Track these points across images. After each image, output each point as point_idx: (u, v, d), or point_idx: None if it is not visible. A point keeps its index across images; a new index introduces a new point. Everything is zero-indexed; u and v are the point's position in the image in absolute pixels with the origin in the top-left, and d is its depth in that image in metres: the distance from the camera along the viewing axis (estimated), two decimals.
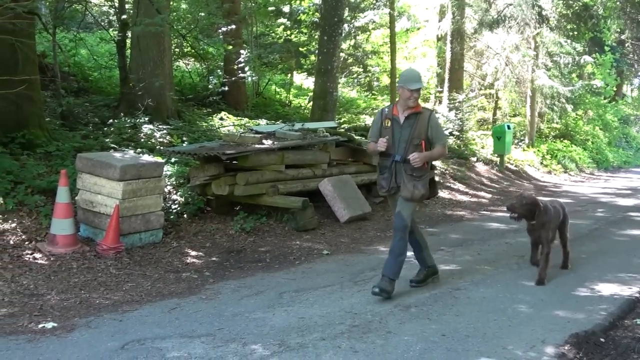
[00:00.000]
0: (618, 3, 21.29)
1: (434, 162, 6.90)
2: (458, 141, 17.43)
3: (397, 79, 19.28)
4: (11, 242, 6.78)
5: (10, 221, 7.12)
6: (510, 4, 17.84)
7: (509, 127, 17.28)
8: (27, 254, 6.64)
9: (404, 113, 5.91)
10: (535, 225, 6.59)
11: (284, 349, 4.63)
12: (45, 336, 4.77)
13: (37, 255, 6.65)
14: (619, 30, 24.26)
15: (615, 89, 27.91)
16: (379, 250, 7.91)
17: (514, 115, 23.18)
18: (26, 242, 6.87)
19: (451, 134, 17.49)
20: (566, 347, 4.78)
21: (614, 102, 28.23)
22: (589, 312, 5.60)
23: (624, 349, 4.88)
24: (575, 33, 20.32)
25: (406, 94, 5.84)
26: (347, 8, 15.09)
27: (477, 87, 20.84)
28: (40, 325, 4.97)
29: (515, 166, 18.17)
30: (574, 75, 22.66)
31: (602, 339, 5.05)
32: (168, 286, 6.18)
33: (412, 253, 6.36)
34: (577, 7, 19.35)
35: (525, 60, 19.43)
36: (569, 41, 19.66)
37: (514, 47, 18.94)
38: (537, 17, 18.04)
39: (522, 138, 21.22)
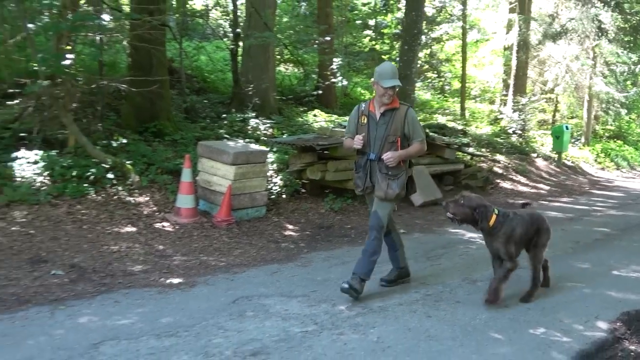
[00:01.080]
0: None
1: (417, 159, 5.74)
2: (520, 139, 16.89)
3: (467, 83, 19.04)
4: (145, 212, 7.05)
5: (144, 195, 7.40)
6: (572, 19, 17.04)
7: (567, 128, 16.59)
8: (157, 222, 6.87)
9: (380, 109, 4.99)
10: (489, 234, 4.92)
11: (367, 310, 4.66)
12: (172, 290, 4.97)
13: (165, 224, 6.88)
14: None
15: None
16: (449, 232, 7.79)
17: (572, 117, 22.22)
18: (156, 213, 7.11)
19: (514, 132, 16.99)
20: (617, 324, 4.61)
21: None
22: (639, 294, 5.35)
23: None
24: (632, 45, 19.27)
25: (380, 90, 4.88)
26: (425, 21, 14.81)
27: (539, 91, 20.10)
28: (168, 281, 5.18)
29: (572, 162, 17.42)
30: (628, 82, 21.47)
31: None
32: (270, 254, 6.31)
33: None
34: (634, 21, 18.33)
35: (584, 69, 18.55)
36: (625, 52, 18.62)
37: (573, 57, 18.08)
38: (597, 30, 17.16)
39: (578, 137, 20.31)
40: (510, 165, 14.04)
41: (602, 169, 18.70)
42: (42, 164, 7.06)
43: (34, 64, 7.88)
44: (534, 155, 16.30)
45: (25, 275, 5.02)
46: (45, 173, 6.98)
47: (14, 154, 7.12)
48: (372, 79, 5.11)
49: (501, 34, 19.34)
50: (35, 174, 6.90)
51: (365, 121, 5.04)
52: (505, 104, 18.35)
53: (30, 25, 7.72)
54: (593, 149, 19.83)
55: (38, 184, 6.78)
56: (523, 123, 17.09)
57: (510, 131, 16.98)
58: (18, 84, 7.87)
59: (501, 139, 16.13)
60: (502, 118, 17.79)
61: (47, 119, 7.68)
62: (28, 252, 5.54)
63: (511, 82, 17.95)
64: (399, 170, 4.97)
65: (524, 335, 4.31)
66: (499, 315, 4.67)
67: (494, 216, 4.84)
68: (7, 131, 7.70)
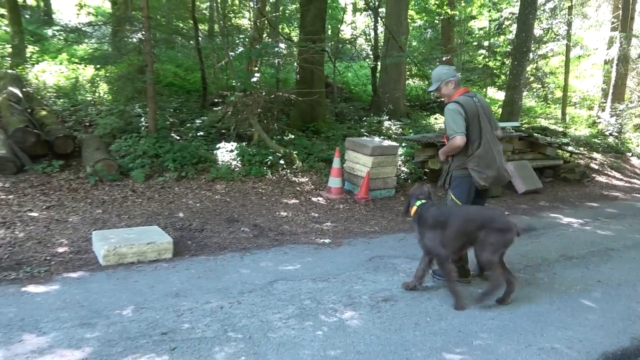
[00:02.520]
0: None
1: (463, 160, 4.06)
2: (616, 140, 15.00)
3: (568, 92, 17.27)
4: (305, 189, 7.28)
5: (305, 177, 7.63)
6: None
7: None
8: (314, 197, 7.04)
9: None
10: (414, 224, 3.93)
11: (477, 273, 4.44)
12: (324, 247, 5.09)
13: (319, 199, 7.02)
14: None
15: None
16: (548, 215, 7.16)
17: None
18: (313, 190, 7.28)
19: (610, 134, 15.12)
20: None
21: None
22: None
23: None
24: None
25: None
26: (533, 41, 13.62)
27: (637, 99, 17.63)
28: (321, 240, 5.30)
29: None
30: None
31: None
32: (398, 225, 6.21)
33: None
34: None
35: None
36: None
37: None
38: None
39: None
40: (605, 162, 12.53)
41: None
42: (236, 152, 7.57)
43: (232, 81, 8.46)
44: (629, 154, 14.39)
45: (224, 230, 5.42)
46: (238, 159, 7.47)
47: (218, 145, 7.71)
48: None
49: (602, 49, 17.19)
50: (231, 159, 7.42)
51: None
52: (603, 110, 16.38)
53: (231, 54, 8.29)
54: None
55: (233, 166, 7.29)
56: (620, 126, 15.15)
57: (607, 133, 15.15)
58: (221, 95, 8.48)
59: (598, 140, 14.45)
60: (599, 122, 15.92)
61: (240, 120, 8.20)
62: (225, 214, 5.97)
63: (610, 91, 15.95)
64: (451, 166, 4.13)
65: (615, 306, 3.87)
66: (591, 288, 4.23)
67: (414, 207, 3.90)
68: (214, 129, 8.36)
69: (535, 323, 3.49)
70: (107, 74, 8.60)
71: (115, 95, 8.66)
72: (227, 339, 3.08)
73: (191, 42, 9.66)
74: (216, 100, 8.95)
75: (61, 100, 8.45)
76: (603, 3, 16.49)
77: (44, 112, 7.51)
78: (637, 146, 15.51)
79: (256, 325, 3.28)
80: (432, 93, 4.31)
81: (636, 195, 9.75)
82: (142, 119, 7.94)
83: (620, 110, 15.14)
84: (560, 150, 10.54)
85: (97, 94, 8.67)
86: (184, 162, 6.96)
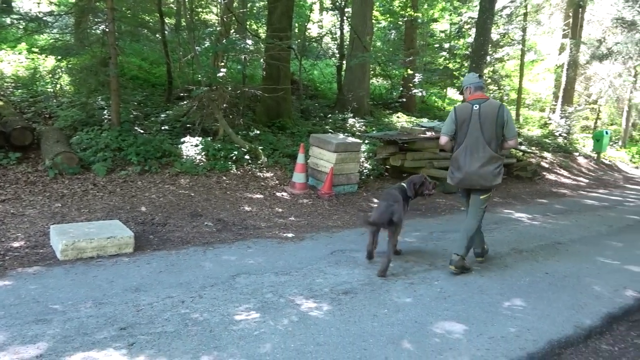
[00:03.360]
0: None
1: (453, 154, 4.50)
2: (565, 140, 15.62)
3: (522, 95, 17.82)
4: (270, 184, 7.23)
5: (270, 172, 7.58)
6: (618, 43, 15.42)
7: (606, 132, 15.10)
8: (278, 192, 7.01)
9: None
10: None
11: (432, 267, 4.54)
12: (287, 241, 5.06)
13: (284, 194, 7.00)
14: None
15: None
16: (502, 211, 7.39)
17: (611, 124, 20.23)
18: (278, 185, 7.25)
19: (560, 135, 15.74)
20: None
21: None
22: None
23: None
24: None
25: None
26: (490, 45, 13.96)
27: (584, 102, 18.40)
28: (284, 235, 5.28)
29: (609, 161, 15.87)
30: None
31: None
32: (359, 219, 6.27)
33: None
34: None
35: (625, 84, 16.78)
36: None
37: (617, 75, 16.39)
38: (639, 53, 15.45)
39: (616, 141, 18.43)
40: (555, 161, 13.04)
41: (637, 167, 16.89)
42: (200, 146, 7.42)
43: (198, 75, 8.28)
44: (576, 154, 15.03)
45: (187, 224, 5.32)
46: (203, 153, 7.33)
47: (183, 139, 7.54)
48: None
49: (554, 55, 17.86)
50: (196, 153, 7.28)
51: None
52: (554, 112, 17.02)
53: (197, 48, 8.11)
54: (629, 151, 17.97)
55: (197, 161, 7.15)
56: (568, 128, 15.79)
57: (556, 134, 15.75)
58: (187, 89, 8.30)
59: (549, 140, 15.00)
60: (550, 123, 16.54)
61: (205, 114, 8.04)
62: (189, 208, 5.86)
63: (560, 94, 16.59)
64: None
65: (561, 296, 4.02)
66: (539, 279, 4.38)
67: None
68: (179, 123, 8.17)
69: (487, 313, 3.58)
70: (69, 66, 8.24)
71: (78, 87, 8.32)
72: (188, 333, 3.02)
73: (157, 35, 9.38)
74: (182, 94, 8.74)
75: (19, 90, 8.05)
76: (555, 11, 17.08)
77: (0, 103, 7.15)
78: (584, 146, 16.23)
79: (217, 319, 3.22)
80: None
81: (582, 192, 10.19)
82: (105, 111, 7.67)
83: (569, 113, 15.78)
84: (513, 150, 10.87)
85: (58, 86, 8.31)
86: (147, 156, 6.77)
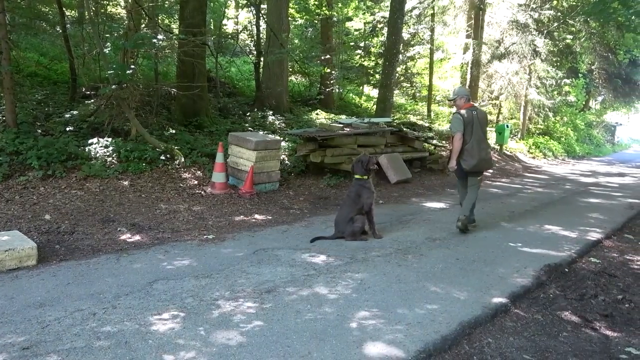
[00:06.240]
0: (590, 44, 19.89)
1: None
2: None
3: (432, 92, 18.82)
4: (189, 185, 7.02)
5: (188, 172, 7.36)
6: (514, 43, 16.79)
7: (507, 126, 16.36)
8: (198, 192, 6.85)
9: None
10: None
11: (353, 260, 4.64)
12: (208, 243, 4.95)
13: (203, 193, 6.85)
14: (589, 62, 22.99)
15: (584, 103, 26.09)
16: (416, 202, 7.75)
17: (511, 118, 21.88)
18: (197, 186, 7.08)
19: None
20: (541, 273, 4.58)
21: (582, 112, 26.21)
22: (558, 250, 5.31)
23: (581, 277, 4.63)
24: (559, 64, 19.03)
25: None
26: (402, 44, 14.58)
27: (487, 98, 19.80)
28: (204, 236, 5.16)
29: (510, 152, 17.24)
30: (555, 92, 21.16)
31: (566, 269, 4.81)
32: (281, 217, 6.27)
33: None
34: (561, 46, 18.10)
35: (522, 81, 18.26)
36: (553, 69, 18.31)
37: (514, 72, 17.73)
38: (532, 52, 16.93)
39: (515, 133, 20.04)
40: None
41: (533, 157, 18.52)
42: (111, 148, 7.02)
43: (106, 73, 7.79)
44: None
45: (98, 231, 5.01)
46: (114, 155, 6.93)
47: (90, 140, 7.07)
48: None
49: (459, 54, 18.96)
50: (106, 155, 6.86)
51: None
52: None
53: (106, 44, 7.62)
54: (527, 143, 19.61)
55: (108, 163, 6.75)
56: None
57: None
58: (94, 87, 7.79)
59: None
60: None
61: (115, 114, 7.61)
62: (100, 214, 5.53)
63: None
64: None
65: (470, 280, 4.29)
66: (451, 265, 4.66)
67: None
68: (85, 123, 7.65)
69: (405, 301, 3.74)
70: None
71: None
72: (100, 347, 2.83)
73: (57, 28, 8.68)
74: (88, 92, 8.18)
75: None
76: (459, 13, 18.11)
77: None
78: (488, 139, 17.45)
79: (133, 329, 3.06)
80: (449, 101, 6.21)
81: (487, 182, 10.96)
82: None
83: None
84: (426, 144, 11.45)
85: None
86: (50, 160, 6.26)
